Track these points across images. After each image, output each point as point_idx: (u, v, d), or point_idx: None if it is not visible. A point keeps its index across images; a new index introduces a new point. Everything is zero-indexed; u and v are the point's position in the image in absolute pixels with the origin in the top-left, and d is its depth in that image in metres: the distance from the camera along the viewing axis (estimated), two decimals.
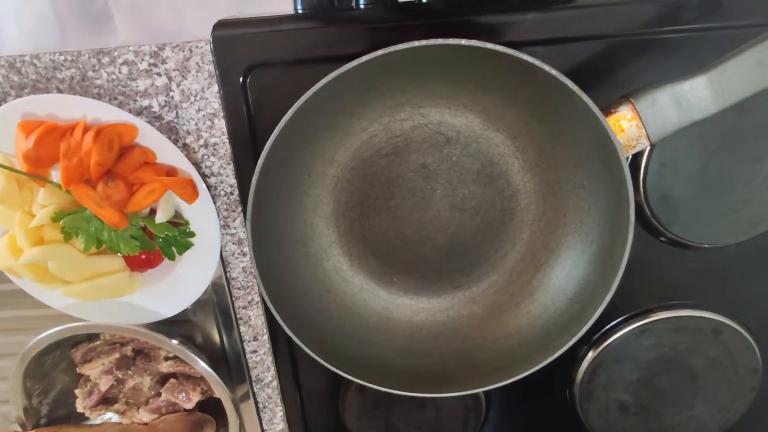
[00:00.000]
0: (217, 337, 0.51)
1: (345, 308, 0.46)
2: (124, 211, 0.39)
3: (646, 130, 0.32)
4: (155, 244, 0.41)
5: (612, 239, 0.38)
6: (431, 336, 0.47)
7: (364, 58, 0.31)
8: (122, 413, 0.51)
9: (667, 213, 0.44)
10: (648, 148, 0.33)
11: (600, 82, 0.40)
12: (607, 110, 0.33)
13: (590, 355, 0.51)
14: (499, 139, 0.42)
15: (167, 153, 0.39)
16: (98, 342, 0.49)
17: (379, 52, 0.31)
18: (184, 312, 0.48)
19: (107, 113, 0.38)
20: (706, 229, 0.45)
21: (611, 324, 0.51)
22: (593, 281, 0.40)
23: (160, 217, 0.40)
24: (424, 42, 0.31)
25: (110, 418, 0.53)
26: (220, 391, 0.48)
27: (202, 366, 0.46)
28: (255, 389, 0.54)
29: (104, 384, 0.49)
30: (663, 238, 0.47)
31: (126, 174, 0.38)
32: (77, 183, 0.37)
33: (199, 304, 0.49)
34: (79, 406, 0.50)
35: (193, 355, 0.46)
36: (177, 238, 0.42)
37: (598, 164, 0.37)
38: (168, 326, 0.49)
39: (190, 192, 0.39)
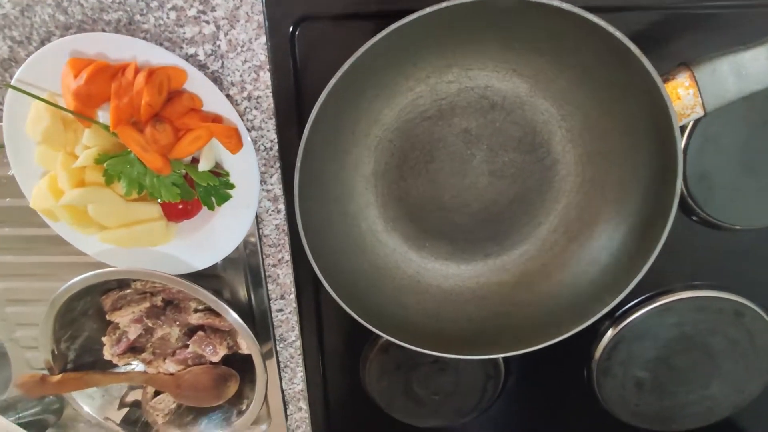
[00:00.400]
0: (244, 293, 0.52)
1: (378, 269, 0.47)
2: (168, 156, 0.39)
3: (702, 99, 0.32)
4: (195, 193, 0.42)
5: (651, 213, 0.38)
6: (460, 301, 0.47)
7: (428, 9, 0.31)
8: (149, 363, 0.52)
9: (703, 192, 0.44)
10: (700, 116, 0.33)
11: (653, 53, 0.40)
12: (665, 77, 0.33)
13: (611, 332, 0.52)
14: (545, 107, 0.42)
15: (214, 101, 0.39)
16: (129, 290, 0.50)
17: (445, 4, 0.31)
18: (214, 266, 0.49)
19: (157, 56, 0.37)
20: (740, 210, 0.45)
21: (634, 302, 0.51)
22: (628, 253, 0.41)
23: (204, 165, 0.40)
24: None
25: (136, 367, 0.53)
26: (249, 344, 0.49)
27: (233, 317, 0.47)
28: (278, 348, 0.55)
29: (133, 332, 0.49)
30: (695, 218, 0.47)
31: (173, 119, 0.38)
32: (125, 125, 0.37)
33: (229, 259, 0.49)
34: (107, 353, 0.51)
35: (225, 306, 0.47)
36: (217, 188, 0.42)
37: (647, 134, 0.37)
38: (197, 279, 0.50)
39: (235, 141, 0.39)
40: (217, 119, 0.39)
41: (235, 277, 0.51)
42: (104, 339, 0.51)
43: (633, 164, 0.40)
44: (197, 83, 0.39)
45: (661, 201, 0.37)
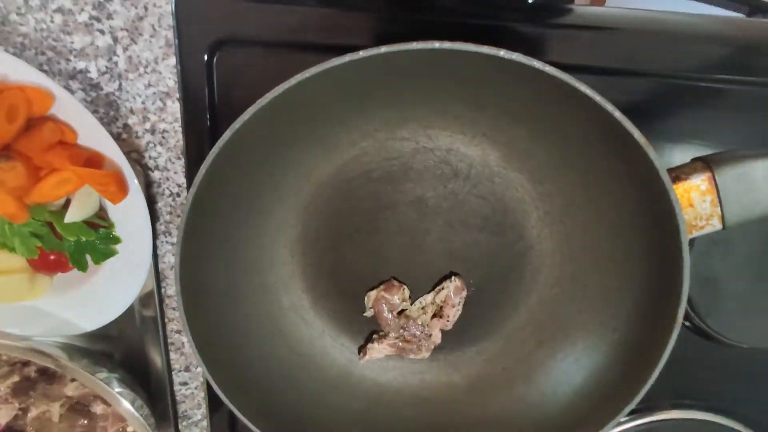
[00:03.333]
0: (141, 361, 0.42)
1: (300, 355, 0.37)
2: (25, 200, 0.30)
3: (722, 210, 0.24)
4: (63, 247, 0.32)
5: (643, 335, 0.30)
6: (398, 402, 0.38)
7: (364, 53, 0.22)
8: None
9: (706, 301, 0.36)
10: (716, 230, 0.24)
11: (657, 137, 0.32)
12: (676, 174, 0.25)
13: None
14: (520, 182, 0.33)
15: (92, 134, 0.30)
16: None
17: (385, 49, 0.22)
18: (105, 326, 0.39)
19: (17, 70, 0.28)
20: (749, 327, 0.37)
21: None
22: (609, 379, 0.32)
23: (73, 216, 0.31)
24: (447, 44, 0.22)
25: None
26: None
27: (126, 408, 0.37)
28: (180, 426, 0.45)
29: (4, 415, 0.39)
30: (688, 324, 0.39)
31: (31, 154, 0.29)
32: None
33: (124, 317, 0.40)
34: None
35: (105, 387, 0.37)
36: (95, 243, 0.32)
37: (645, 239, 0.28)
38: (82, 340, 0.40)
39: (114, 189, 0.30)
40: (94, 158, 0.30)
41: (132, 338, 0.42)
42: None
43: (623, 269, 0.31)
44: (71, 110, 0.30)
45: (656, 324, 0.28)
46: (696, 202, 0.24)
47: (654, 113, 0.33)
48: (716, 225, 0.25)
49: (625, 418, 0.42)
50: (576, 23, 0.32)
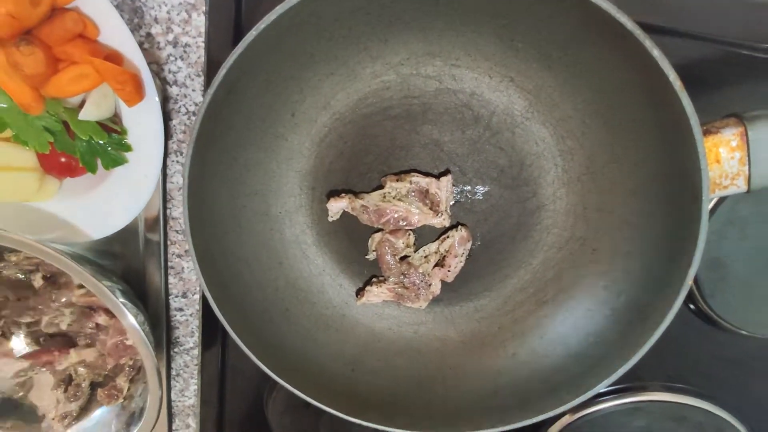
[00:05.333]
0: (141, 283, 0.42)
1: (297, 289, 0.37)
2: (41, 91, 0.30)
3: (750, 169, 0.23)
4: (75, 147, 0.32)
5: (649, 299, 0.29)
6: (390, 351, 0.38)
7: None
8: None
9: (712, 282, 0.36)
10: (741, 192, 0.23)
11: (700, 99, 0.31)
12: (707, 127, 0.24)
13: (565, 418, 0.43)
14: (542, 135, 0.32)
15: (115, 34, 0.30)
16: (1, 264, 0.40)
17: None
18: (108, 239, 0.39)
19: None
20: (753, 315, 0.36)
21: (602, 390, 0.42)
22: (607, 343, 0.31)
23: (87, 114, 0.31)
24: None
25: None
26: (143, 352, 0.39)
27: (129, 320, 0.37)
28: (172, 353, 0.46)
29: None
30: (692, 307, 0.38)
31: (51, 42, 0.28)
32: None
33: (128, 235, 0.40)
34: None
35: (120, 302, 0.37)
36: (106, 147, 0.32)
37: (663, 200, 0.28)
38: (85, 249, 0.40)
39: (130, 89, 0.29)
40: (113, 56, 0.30)
41: (133, 257, 0.42)
42: None
43: (638, 232, 0.30)
44: (96, 5, 0.29)
45: (662, 291, 0.28)
46: (724, 158, 0.23)
47: (702, 79, 0.31)
48: (741, 186, 0.24)
49: (615, 395, 0.42)
50: None
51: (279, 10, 0.23)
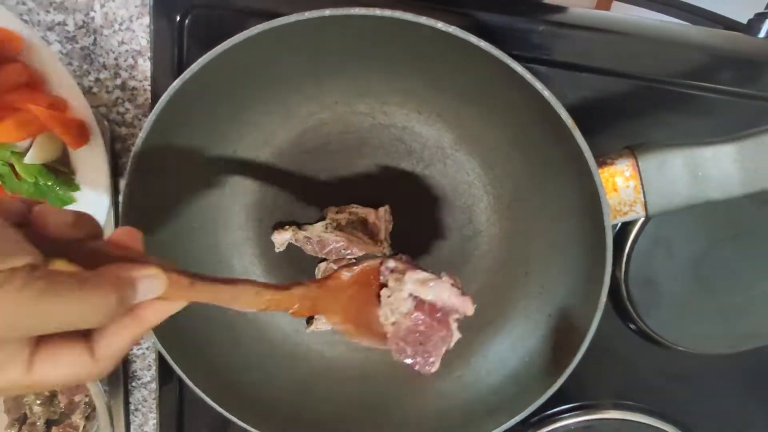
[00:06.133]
0: None
1: (247, 320, 0.38)
2: None
3: (644, 197, 0.25)
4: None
5: (573, 320, 0.31)
6: (342, 377, 0.39)
7: (309, 14, 0.24)
8: None
9: (646, 301, 0.37)
10: (642, 219, 0.25)
11: (604, 130, 0.33)
12: (602, 159, 0.26)
13: None
14: (471, 166, 0.34)
15: (60, 81, 0.31)
16: None
17: (329, 11, 0.23)
18: None
19: None
20: (687, 330, 0.37)
21: (554, 410, 0.43)
22: (539, 364, 0.33)
23: (33, 158, 0.32)
24: (388, 12, 0.23)
25: None
26: (95, 391, 0.39)
27: None
28: (130, 387, 0.46)
29: None
30: (633, 326, 0.40)
31: None
32: None
33: None
34: None
35: None
36: (54, 188, 0.33)
37: (579, 224, 0.29)
38: None
39: (74, 134, 0.31)
40: (57, 104, 0.31)
41: None
42: None
43: (561, 254, 0.32)
44: (42, 57, 0.31)
45: (585, 309, 0.29)
46: (620, 187, 0.25)
47: (600, 110, 0.34)
48: (640, 212, 0.26)
49: (568, 413, 0.42)
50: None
51: (202, 60, 0.25)
